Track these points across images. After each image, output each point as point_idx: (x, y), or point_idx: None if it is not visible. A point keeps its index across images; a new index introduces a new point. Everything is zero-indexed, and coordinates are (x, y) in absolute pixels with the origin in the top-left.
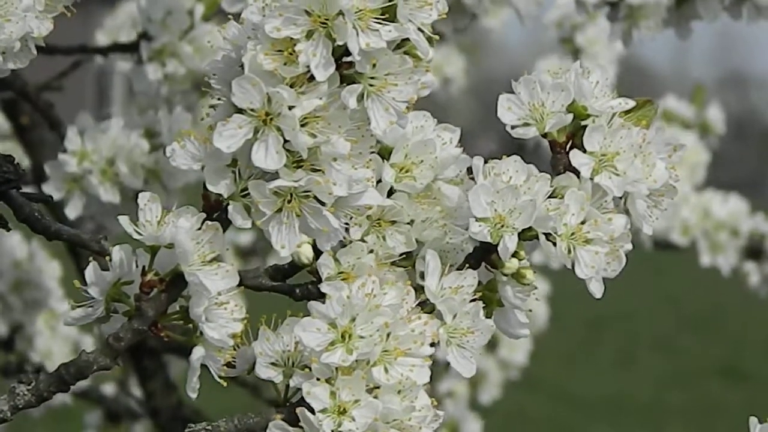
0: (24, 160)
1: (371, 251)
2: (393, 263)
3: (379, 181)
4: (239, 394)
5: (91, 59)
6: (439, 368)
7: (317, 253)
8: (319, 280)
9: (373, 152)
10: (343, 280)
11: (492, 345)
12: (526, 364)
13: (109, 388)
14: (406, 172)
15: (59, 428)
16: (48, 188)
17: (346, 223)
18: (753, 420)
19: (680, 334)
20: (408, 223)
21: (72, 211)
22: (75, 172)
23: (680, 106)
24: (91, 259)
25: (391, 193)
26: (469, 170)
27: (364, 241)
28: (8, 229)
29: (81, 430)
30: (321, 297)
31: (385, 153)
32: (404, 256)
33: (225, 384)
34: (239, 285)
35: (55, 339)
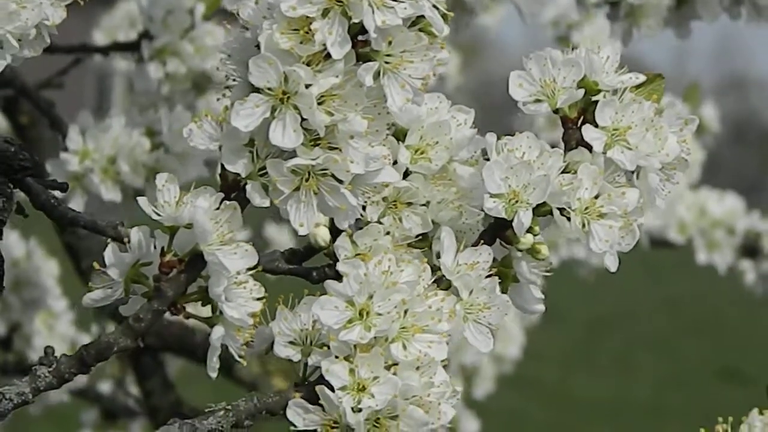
0: None
1: (387, 233)
2: (409, 244)
3: (394, 163)
4: (238, 393)
5: (92, 57)
6: None
7: (334, 236)
8: (336, 263)
9: (388, 134)
10: (361, 260)
11: None
12: (523, 363)
13: (105, 387)
14: (422, 153)
15: (56, 427)
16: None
17: (363, 202)
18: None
19: (679, 336)
20: (424, 205)
21: None
22: (76, 170)
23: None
24: (109, 241)
25: (406, 174)
26: (484, 151)
27: (380, 223)
28: (26, 216)
29: (78, 429)
30: (338, 279)
31: (400, 135)
32: (420, 237)
33: (245, 363)
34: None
35: (53, 338)
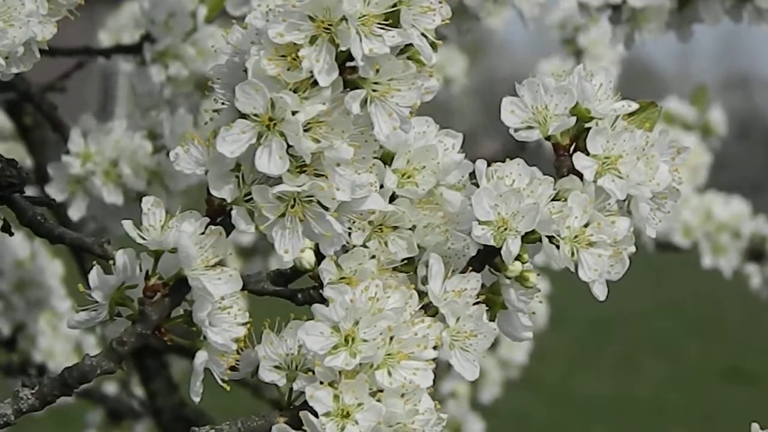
0: (26, 160)
1: (373, 257)
2: (395, 269)
3: (381, 187)
4: (241, 395)
5: (95, 60)
6: (440, 369)
7: (319, 258)
8: (321, 286)
9: (375, 158)
10: (347, 285)
11: (492, 344)
12: (526, 364)
13: (110, 388)
14: (408, 177)
15: (61, 427)
16: (51, 190)
17: (349, 228)
18: (755, 426)
19: (682, 337)
20: (410, 229)
21: (75, 213)
22: (78, 173)
23: (682, 108)
24: (94, 263)
25: (393, 198)
26: (471, 175)
27: (366, 247)
28: (11, 234)
29: (82, 430)
30: (323, 302)
31: (387, 158)
32: (406, 261)
33: (228, 388)
34: (241, 289)
35: (58, 338)
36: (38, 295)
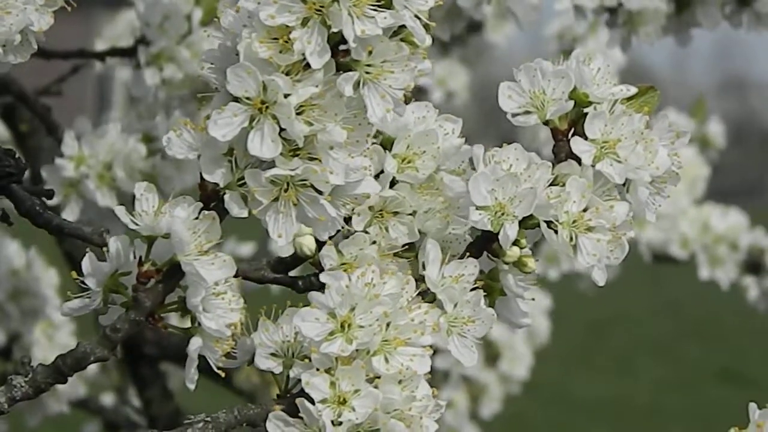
0: None
1: (374, 242)
2: (396, 254)
3: (381, 172)
4: (238, 403)
5: (91, 64)
6: (437, 379)
7: (320, 245)
8: (322, 272)
9: (374, 143)
10: (345, 271)
11: (493, 359)
12: (527, 378)
13: (107, 399)
14: (409, 162)
15: None
16: None
17: (347, 214)
18: (752, 406)
19: (680, 339)
20: (410, 214)
21: (69, 216)
22: (72, 176)
23: (680, 120)
24: (87, 250)
25: (393, 183)
26: (472, 161)
27: (366, 232)
28: (10, 224)
29: None
30: (323, 288)
31: (387, 143)
32: (407, 247)
33: (223, 375)
34: (241, 277)
35: (53, 348)
36: (33, 304)
